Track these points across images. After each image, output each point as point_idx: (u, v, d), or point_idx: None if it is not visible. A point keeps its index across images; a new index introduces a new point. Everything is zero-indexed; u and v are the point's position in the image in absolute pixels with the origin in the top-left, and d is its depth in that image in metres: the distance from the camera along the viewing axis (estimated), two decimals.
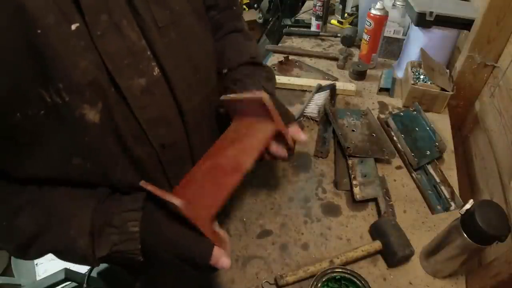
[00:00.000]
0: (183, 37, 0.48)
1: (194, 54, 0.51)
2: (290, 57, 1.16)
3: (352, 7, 1.40)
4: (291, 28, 1.37)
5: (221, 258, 0.43)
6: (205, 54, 0.55)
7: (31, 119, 0.36)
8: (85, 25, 0.36)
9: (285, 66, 1.12)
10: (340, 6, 1.39)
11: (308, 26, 1.37)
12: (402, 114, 0.86)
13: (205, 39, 0.55)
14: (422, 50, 0.95)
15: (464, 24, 0.90)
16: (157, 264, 0.46)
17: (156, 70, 0.44)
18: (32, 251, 0.43)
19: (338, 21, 1.39)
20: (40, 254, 0.44)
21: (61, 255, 0.44)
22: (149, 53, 0.43)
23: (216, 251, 0.43)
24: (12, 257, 1.19)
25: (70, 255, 0.43)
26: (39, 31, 0.33)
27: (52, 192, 0.43)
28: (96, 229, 0.42)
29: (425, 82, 0.90)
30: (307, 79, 1.04)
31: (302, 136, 0.58)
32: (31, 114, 0.35)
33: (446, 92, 0.87)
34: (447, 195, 0.69)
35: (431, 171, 0.74)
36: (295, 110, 0.93)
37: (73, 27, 0.35)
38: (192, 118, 0.52)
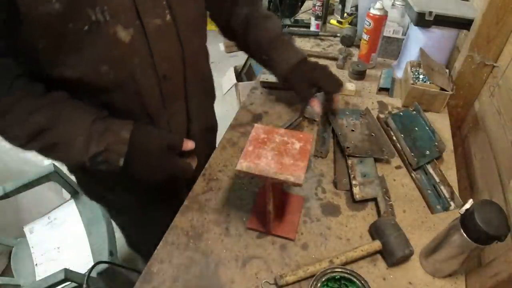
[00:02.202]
0: None
1: (193, 8, 0.65)
2: None
3: (351, 7, 1.40)
4: (291, 28, 1.37)
5: (188, 143, 0.64)
6: (199, 9, 0.68)
7: (78, 32, 0.48)
8: None
9: None
10: (340, 6, 1.39)
11: (308, 26, 1.37)
12: (401, 114, 0.86)
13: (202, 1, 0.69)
14: (421, 50, 0.95)
15: (464, 23, 0.90)
16: (137, 165, 0.59)
17: (168, 16, 0.58)
18: (36, 143, 0.54)
19: (338, 21, 1.38)
20: (42, 148, 0.55)
21: (59, 150, 0.55)
22: (164, 2, 0.57)
23: (186, 140, 0.64)
24: (12, 257, 1.19)
25: (67, 148, 0.55)
26: None
27: (68, 101, 0.56)
28: (94, 130, 0.55)
29: (425, 82, 0.90)
30: None
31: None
32: (79, 27, 0.48)
33: (446, 92, 0.87)
34: (447, 195, 0.69)
35: (431, 171, 0.74)
36: (294, 110, 0.93)
37: None
38: (191, 60, 0.67)
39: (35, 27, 0.46)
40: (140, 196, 0.80)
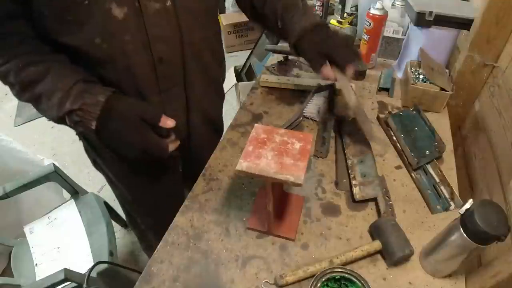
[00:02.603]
0: None
1: (198, 2, 0.66)
2: (290, 57, 1.16)
3: (351, 7, 1.40)
4: None
5: (167, 120, 0.62)
6: (206, 5, 0.69)
7: (79, 4, 0.53)
8: None
9: (285, 66, 1.12)
10: (340, 6, 1.39)
11: None
12: (401, 114, 0.86)
13: None
14: (421, 50, 0.95)
15: (464, 23, 0.90)
16: (109, 132, 0.60)
17: (169, 2, 0.60)
18: (27, 94, 0.59)
19: (338, 21, 1.38)
20: (30, 98, 0.60)
21: (41, 102, 0.59)
22: None
23: (165, 116, 0.62)
24: (12, 258, 1.19)
25: (47, 102, 0.58)
26: None
27: (63, 62, 0.60)
28: (74, 89, 0.57)
29: (425, 82, 0.90)
30: (306, 79, 1.04)
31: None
32: (80, 0, 0.52)
33: (446, 92, 0.87)
34: (447, 195, 0.69)
35: (431, 171, 0.74)
36: (294, 110, 0.93)
37: None
38: (191, 50, 0.68)
39: None
40: (132, 165, 0.81)
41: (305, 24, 0.74)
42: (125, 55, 0.60)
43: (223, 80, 0.89)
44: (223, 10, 3.25)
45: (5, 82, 0.60)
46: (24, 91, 0.59)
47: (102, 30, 0.57)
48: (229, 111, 2.32)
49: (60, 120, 0.60)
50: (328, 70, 0.73)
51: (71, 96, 0.57)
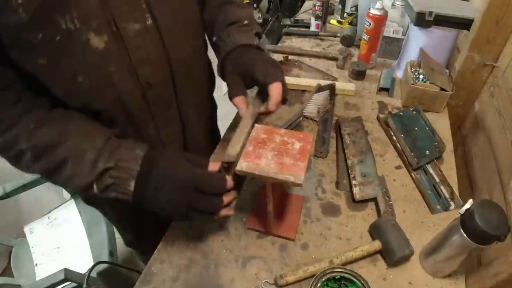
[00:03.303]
0: None
1: (183, 13, 0.60)
2: (290, 57, 1.16)
3: (351, 7, 1.40)
4: (291, 28, 1.37)
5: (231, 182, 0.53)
6: (192, 11, 0.64)
7: (50, 41, 0.44)
8: None
9: (285, 66, 1.12)
10: (340, 6, 1.39)
11: (308, 26, 1.37)
12: (401, 114, 0.86)
13: (193, 5, 0.64)
14: (421, 50, 0.95)
15: (464, 24, 0.90)
16: (156, 194, 0.51)
17: (149, 20, 0.53)
18: (44, 159, 0.49)
19: (338, 21, 1.38)
20: (48, 166, 0.50)
21: (66, 167, 0.50)
22: (144, 5, 0.52)
23: (228, 178, 0.53)
24: (12, 258, 1.19)
25: (75, 166, 0.49)
26: None
27: (79, 117, 0.53)
28: (108, 146, 0.50)
29: (425, 82, 0.90)
30: (306, 79, 1.04)
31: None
32: (50, 37, 0.44)
33: (446, 92, 0.87)
34: (447, 195, 0.69)
35: (431, 171, 0.74)
36: (294, 110, 0.93)
37: None
38: (180, 67, 0.61)
39: (4, 37, 0.43)
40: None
41: (235, 44, 0.64)
42: (112, 86, 0.53)
43: (214, 89, 0.84)
44: None
45: (10, 153, 0.50)
46: (39, 158, 0.49)
47: (83, 66, 0.49)
48: (229, 111, 2.31)
49: (87, 188, 0.50)
50: (241, 100, 0.61)
51: (103, 155, 0.49)
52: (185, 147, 0.74)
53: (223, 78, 0.67)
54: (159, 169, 0.51)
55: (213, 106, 0.87)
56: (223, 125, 0.92)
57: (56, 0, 0.43)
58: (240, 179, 0.59)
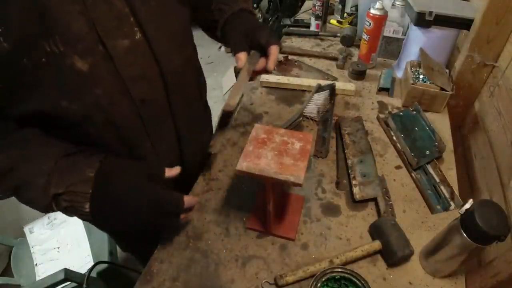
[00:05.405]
0: (162, 6, 0.56)
1: (171, 22, 0.59)
2: (290, 57, 1.16)
3: (351, 7, 1.40)
4: (291, 28, 1.37)
5: (171, 170, 0.56)
6: (181, 23, 0.63)
7: (35, 65, 0.44)
8: None
9: (285, 66, 1.12)
10: (340, 6, 1.39)
11: (308, 26, 1.37)
12: (401, 114, 0.86)
13: (180, 10, 0.63)
14: (421, 50, 0.95)
15: (464, 23, 0.90)
16: (112, 208, 0.51)
17: (138, 34, 0.52)
18: (1, 186, 0.49)
19: (338, 21, 1.38)
20: (5, 191, 0.50)
21: (21, 194, 0.50)
22: (132, 19, 0.50)
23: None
24: (12, 258, 1.19)
25: (28, 192, 0.49)
26: None
27: (35, 139, 0.51)
28: (57, 169, 0.48)
29: (425, 82, 0.90)
30: (306, 79, 1.04)
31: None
32: (35, 60, 0.43)
33: (446, 92, 0.87)
34: (447, 195, 0.69)
35: (431, 171, 0.74)
36: (294, 110, 0.93)
37: None
38: (173, 79, 0.60)
39: None
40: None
41: (235, 9, 0.69)
42: (100, 109, 0.51)
43: (206, 92, 0.82)
44: None
45: None
46: None
47: (67, 90, 0.48)
48: None
49: (47, 209, 0.50)
50: (243, 55, 0.65)
51: (53, 180, 0.47)
52: (181, 157, 0.72)
53: (223, 37, 0.71)
54: (114, 188, 0.50)
55: (206, 111, 0.85)
56: None
57: (37, 26, 0.42)
58: (229, 116, 0.62)
